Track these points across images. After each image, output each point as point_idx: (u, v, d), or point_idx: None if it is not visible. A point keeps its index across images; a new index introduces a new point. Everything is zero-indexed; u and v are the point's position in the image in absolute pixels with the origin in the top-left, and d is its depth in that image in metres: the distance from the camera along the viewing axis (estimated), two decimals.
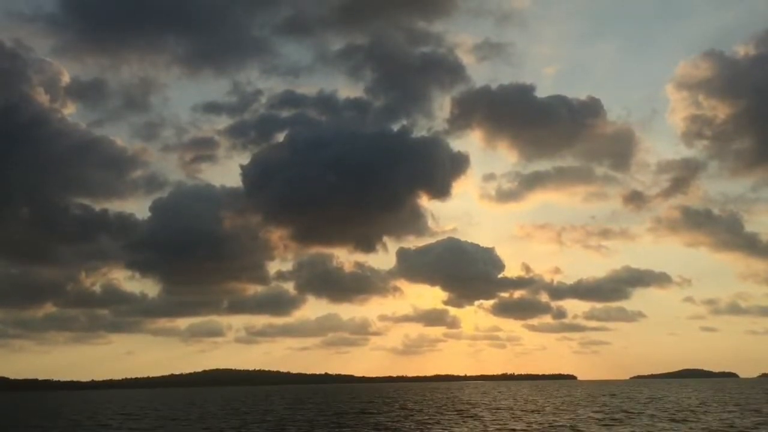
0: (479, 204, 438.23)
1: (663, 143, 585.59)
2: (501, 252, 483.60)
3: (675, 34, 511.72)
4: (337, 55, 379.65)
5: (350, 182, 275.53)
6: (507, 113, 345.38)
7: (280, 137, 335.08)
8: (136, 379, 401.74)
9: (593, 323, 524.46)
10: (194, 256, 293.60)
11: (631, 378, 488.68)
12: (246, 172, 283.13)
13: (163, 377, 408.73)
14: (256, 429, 44.24)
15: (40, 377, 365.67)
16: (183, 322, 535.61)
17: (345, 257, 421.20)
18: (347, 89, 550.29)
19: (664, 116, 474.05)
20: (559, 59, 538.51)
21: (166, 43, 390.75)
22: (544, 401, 78.29)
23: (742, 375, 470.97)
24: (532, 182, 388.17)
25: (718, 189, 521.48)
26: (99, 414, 71.17)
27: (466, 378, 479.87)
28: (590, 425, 41.63)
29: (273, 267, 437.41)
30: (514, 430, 39.88)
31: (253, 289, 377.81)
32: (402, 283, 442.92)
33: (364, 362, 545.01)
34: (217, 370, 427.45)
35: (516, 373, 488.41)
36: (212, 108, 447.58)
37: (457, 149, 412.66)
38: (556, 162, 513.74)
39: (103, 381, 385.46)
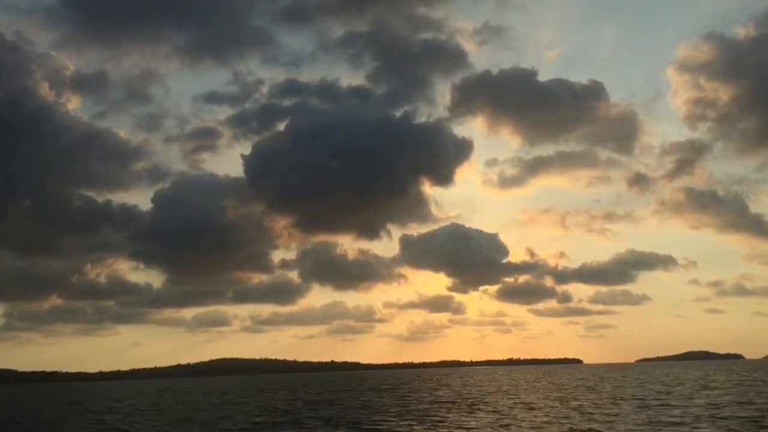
0: (482, 190, 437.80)
1: (666, 126, 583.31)
2: (505, 237, 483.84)
3: (675, 17, 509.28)
4: (337, 43, 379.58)
5: (353, 170, 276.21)
6: (509, 98, 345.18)
7: (282, 126, 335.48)
8: (143, 369, 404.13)
9: (598, 307, 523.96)
10: (198, 245, 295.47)
11: (637, 361, 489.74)
12: (248, 161, 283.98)
13: (170, 367, 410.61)
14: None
15: (48, 369, 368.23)
16: (189, 312, 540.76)
17: (349, 245, 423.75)
18: (349, 77, 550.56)
19: (666, 99, 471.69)
20: (560, 43, 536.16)
21: (166, 33, 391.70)
22: None
23: (748, 356, 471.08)
24: (535, 167, 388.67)
25: (723, 170, 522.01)
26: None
27: (472, 364, 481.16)
28: None
29: (277, 256, 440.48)
30: None
31: (258, 278, 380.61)
32: (406, 270, 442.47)
33: (370, 349, 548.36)
34: (223, 360, 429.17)
35: (522, 358, 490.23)
36: (213, 98, 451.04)
37: (459, 135, 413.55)
38: (560, 146, 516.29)
39: (111, 372, 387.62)
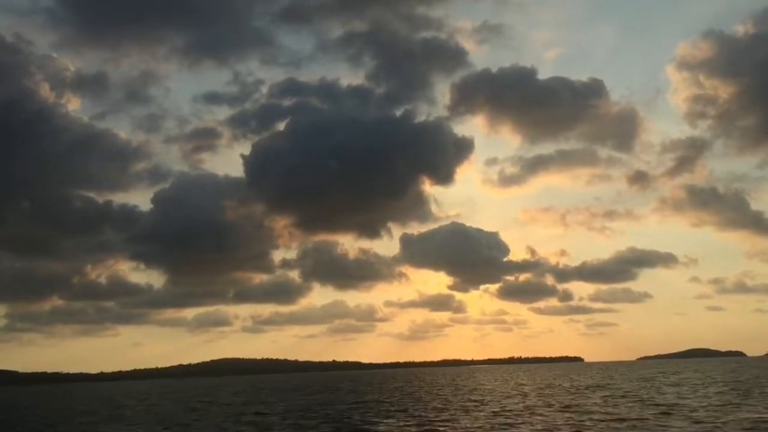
0: (483, 188, 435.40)
1: (666, 123, 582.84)
2: (505, 236, 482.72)
3: (674, 15, 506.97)
4: (337, 43, 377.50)
5: (353, 169, 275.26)
6: (509, 96, 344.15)
7: (282, 126, 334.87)
8: (144, 370, 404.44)
9: (599, 305, 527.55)
10: (198, 246, 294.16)
11: (638, 359, 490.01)
12: (248, 161, 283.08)
13: (171, 368, 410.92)
14: None
15: (49, 370, 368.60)
16: (189, 313, 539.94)
17: (349, 244, 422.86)
18: (349, 77, 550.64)
19: (666, 97, 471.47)
20: (559, 41, 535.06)
21: (165, 34, 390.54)
22: None
23: (749, 354, 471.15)
24: (535, 166, 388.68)
25: (723, 168, 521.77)
26: None
27: (473, 362, 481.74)
28: None
29: (278, 255, 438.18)
30: None
31: (259, 278, 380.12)
32: (407, 269, 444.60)
33: (371, 349, 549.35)
34: (224, 360, 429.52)
35: (523, 357, 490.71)
36: (213, 98, 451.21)
37: (459, 134, 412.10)
38: (560, 144, 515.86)
39: (112, 373, 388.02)
